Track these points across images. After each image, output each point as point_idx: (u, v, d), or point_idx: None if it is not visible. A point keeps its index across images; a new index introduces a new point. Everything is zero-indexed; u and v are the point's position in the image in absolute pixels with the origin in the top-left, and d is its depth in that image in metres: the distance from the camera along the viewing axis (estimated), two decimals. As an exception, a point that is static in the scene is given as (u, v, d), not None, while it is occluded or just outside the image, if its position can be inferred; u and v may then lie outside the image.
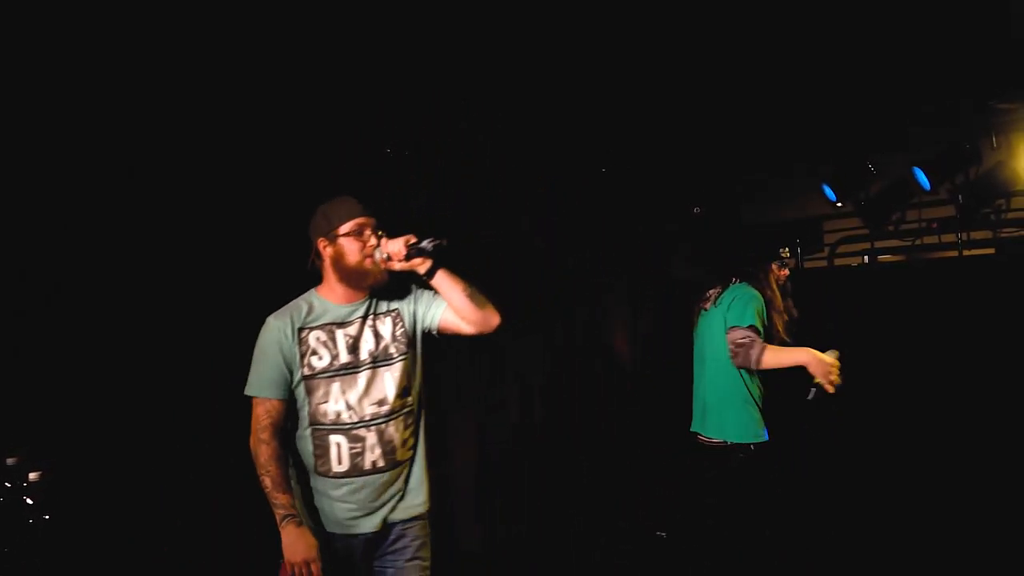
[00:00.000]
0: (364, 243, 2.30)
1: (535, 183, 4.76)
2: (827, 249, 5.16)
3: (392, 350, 2.38)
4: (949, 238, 4.36)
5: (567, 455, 4.89)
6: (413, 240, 2.28)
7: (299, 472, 2.34)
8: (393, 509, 2.35)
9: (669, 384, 5.14)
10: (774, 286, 3.33)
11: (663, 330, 5.23)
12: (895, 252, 4.67)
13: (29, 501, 2.34)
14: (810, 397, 3.12)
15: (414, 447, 2.41)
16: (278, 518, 2.18)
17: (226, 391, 2.54)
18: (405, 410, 2.38)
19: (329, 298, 2.38)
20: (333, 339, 2.33)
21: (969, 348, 3.89)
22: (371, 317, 2.38)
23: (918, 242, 4.50)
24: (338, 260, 2.31)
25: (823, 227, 5.05)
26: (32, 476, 2.34)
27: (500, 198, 4.48)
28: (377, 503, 2.32)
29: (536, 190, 4.76)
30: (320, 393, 2.30)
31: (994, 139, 4.33)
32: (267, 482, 2.19)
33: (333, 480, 2.29)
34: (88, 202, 3.14)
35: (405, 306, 2.43)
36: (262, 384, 2.28)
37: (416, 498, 2.40)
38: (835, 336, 3.37)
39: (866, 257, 4.72)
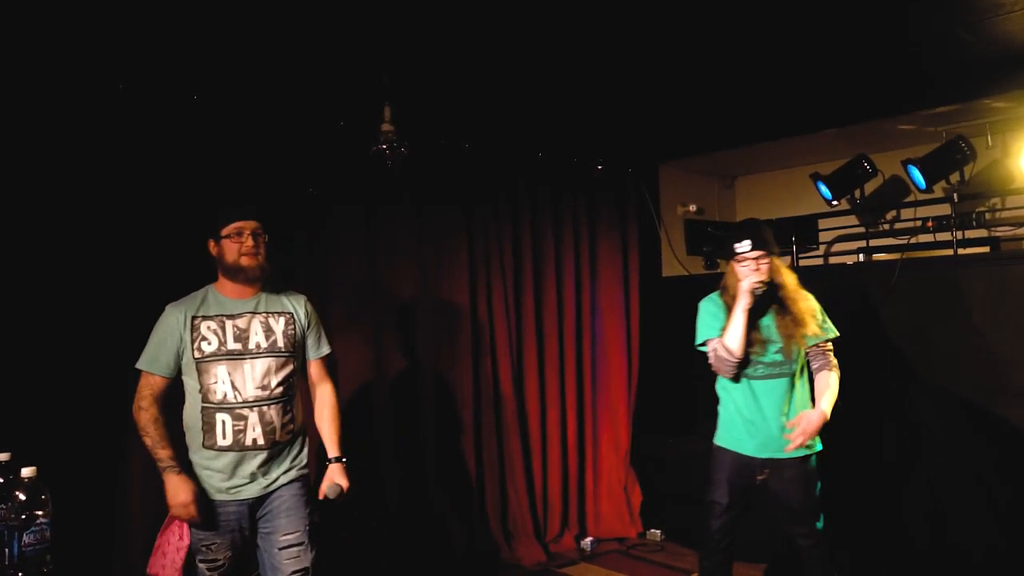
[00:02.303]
0: (241, 244, 2.61)
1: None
2: (823, 247, 5.18)
3: (280, 344, 2.69)
4: (944, 236, 4.37)
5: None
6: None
7: (189, 445, 2.63)
8: (275, 479, 2.66)
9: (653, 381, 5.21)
10: (733, 291, 3.12)
11: (654, 327, 5.25)
12: (890, 250, 4.68)
13: (22, 497, 2.33)
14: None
15: (292, 432, 2.72)
16: (160, 470, 2.53)
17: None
18: (285, 397, 2.68)
19: (222, 292, 2.70)
20: (223, 328, 2.63)
21: (964, 346, 3.89)
22: (263, 314, 2.70)
23: (913, 240, 4.51)
24: (220, 259, 2.66)
25: (818, 225, 5.06)
26: (25, 472, 2.32)
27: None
28: (258, 473, 2.63)
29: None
30: (210, 375, 2.58)
31: (989, 138, 4.34)
32: (148, 441, 2.54)
33: (217, 453, 2.59)
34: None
35: (299, 317, 2.79)
36: (150, 361, 2.60)
37: (296, 463, 2.73)
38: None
39: (861, 255, 4.73)
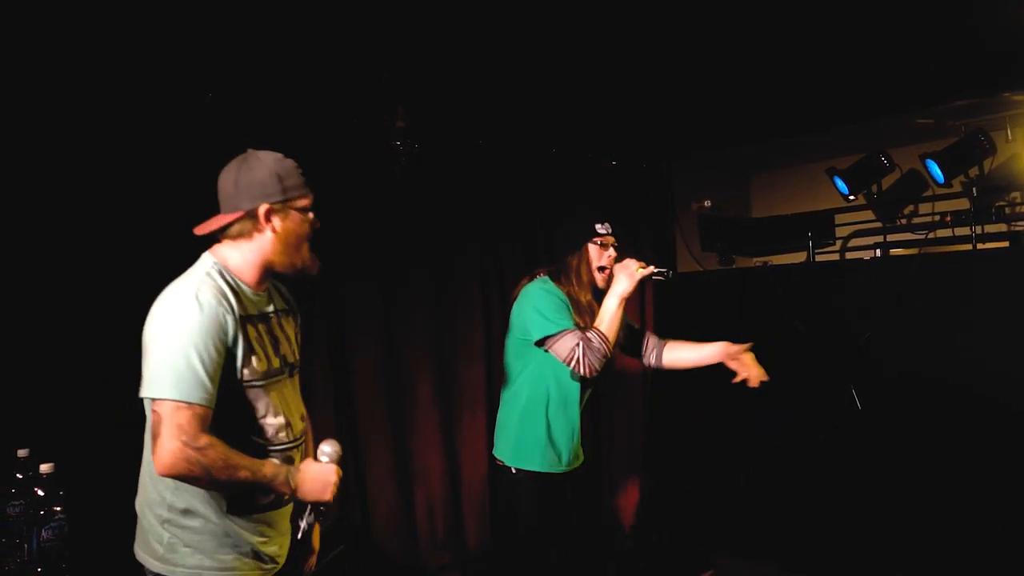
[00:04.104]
0: (312, 225, 1.93)
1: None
2: (839, 242, 5.14)
3: (298, 353, 2.05)
4: (963, 231, 4.32)
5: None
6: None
7: (206, 506, 1.80)
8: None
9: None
10: (585, 276, 2.81)
11: (668, 324, 5.22)
12: (908, 245, 4.63)
13: (40, 493, 2.36)
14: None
15: None
16: (285, 482, 1.79)
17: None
18: (305, 424, 2.08)
19: (244, 279, 1.90)
20: (270, 335, 1.93)
21: (983, 341, 3.85)
22: (278, 313, 1.99)
23: (931, 235, 4.46)
24: (277, 234, 1.86)
25: (835, 220, 5.02)
26: (43, 468, 2.36)
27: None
28: (284, 529, 1.98)
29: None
30: (261, 404, 1.85)
31: (1009, 131, 4.28)
32: (245, 475, 1.73)
33: (253, 517, 1.85)
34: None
35: (296, 311, 2.11)
36: (196, 385, 1.69)
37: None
38: (804, 336, 3.25)
39: (878, 250, 4.69)
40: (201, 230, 1.89)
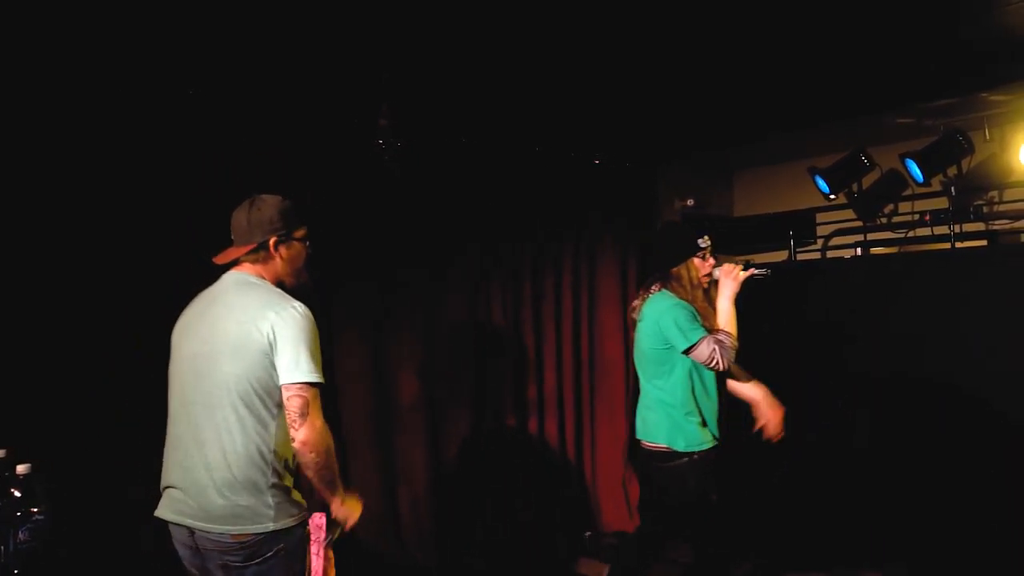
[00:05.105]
0: (307, 251, 2.41)
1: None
2: (820, 241, 5.17)
3: None
4: (942, 230, 4.37)
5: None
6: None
7: (277, 474, 2.21)
8: None
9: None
10: (693, 284, 3.26)
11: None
12: (888, 244, 4.67)
13: (17, 494, 2.32)
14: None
15: None
16: (346, 492, 2.29)
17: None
18: None
19: None
20: None
21: (961, 339, 3.89)
22: None
23: (911, 234, 4.51)
24: (286, 261, 2.35)
25: (816, 219, 5.06)
26: (20, 469, 2.32)
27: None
28: None
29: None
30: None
31: (986, 131, 4.33)
32: (335, 470, 2.24)
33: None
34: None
35: None
36: (320, 373, 2.21)
37: None
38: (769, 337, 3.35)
39: (859, 249, 4.73)
40: (221, 259, 2.33)
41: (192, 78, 3.32)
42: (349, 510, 2.31)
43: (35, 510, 2.26)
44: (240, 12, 2.77)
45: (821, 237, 5.14)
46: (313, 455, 2.17)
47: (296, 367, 2.16)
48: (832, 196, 4.77)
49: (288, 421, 2.17)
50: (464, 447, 4.47)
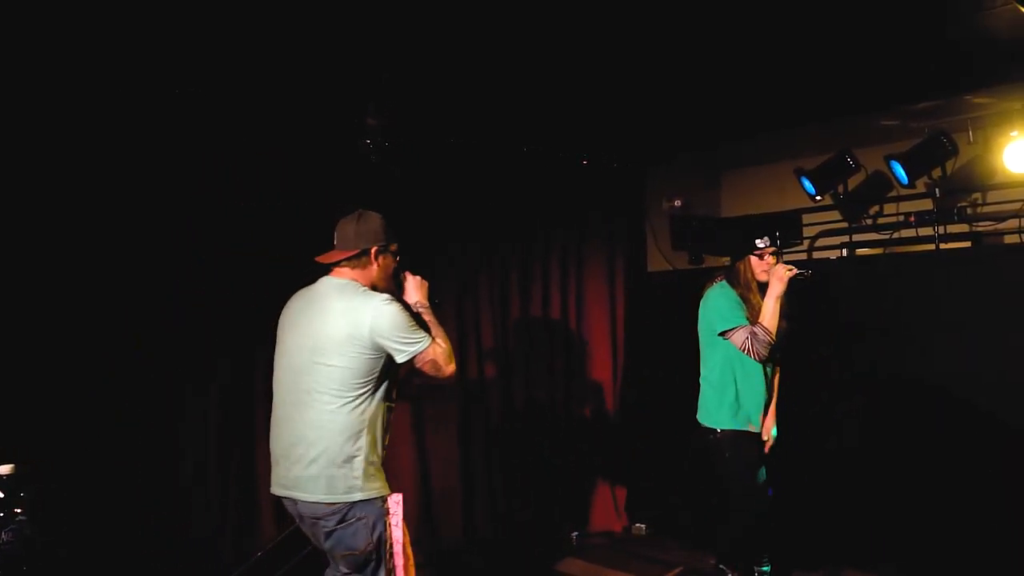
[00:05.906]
0: (395, 262, 2.78)
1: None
2: (806, 242, 5.19)
3: None
4: (926, 231, 4.40)
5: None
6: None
7: (363, 449, 2.56)
8: None
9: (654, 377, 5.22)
10: (751, 280, 3.58)
11: (639, 322, 5.26)
12: (873, 245, 4.70)
13: None
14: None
15: None
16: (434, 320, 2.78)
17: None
18: None
19: None
20: None
21: (944, 339, 3.92)
22: None
23: (896, 235, 4.53)
24: (383, 271, 2.73)
25: (802, 220, 5.07)
26: (2, 470, 2.29)
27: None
28: None
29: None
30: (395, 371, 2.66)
31: (970, 133, 4.36)
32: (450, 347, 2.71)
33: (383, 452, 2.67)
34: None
35: None
36: None
37: None
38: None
39: (844, 250, 4.75)
40: (325, 259, 2.69)
41: (192, 78, 3.30)
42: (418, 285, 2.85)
43: (18, 511, 2.23)
44: (240, 12, 2.75)
45: (807, 238, 5.16)
46: (453, 366, 2.69)
47: (408, 345, 2.57)
48: (818, 197, 4.78)
49: (433, 375, 2.63)
50: (450, 447, 4.46)
